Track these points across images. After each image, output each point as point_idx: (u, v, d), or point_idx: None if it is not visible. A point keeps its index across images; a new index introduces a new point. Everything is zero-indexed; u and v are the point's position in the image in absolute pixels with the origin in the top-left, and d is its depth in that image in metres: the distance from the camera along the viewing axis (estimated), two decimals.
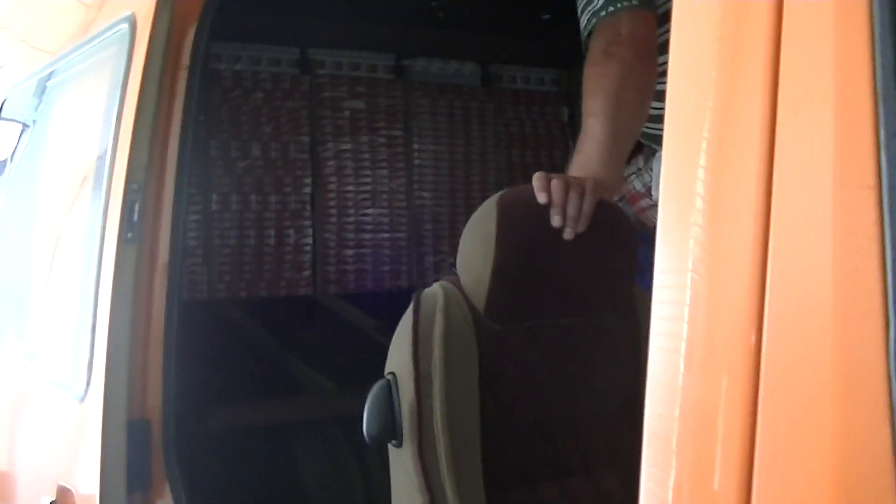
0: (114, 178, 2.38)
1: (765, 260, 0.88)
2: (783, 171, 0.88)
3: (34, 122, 3.29)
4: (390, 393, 1.77)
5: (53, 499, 2.47)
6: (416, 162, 3.78)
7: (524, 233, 1.78)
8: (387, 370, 1.80)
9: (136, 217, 2.31)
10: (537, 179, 1.80)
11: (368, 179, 3.68)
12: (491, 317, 1.78)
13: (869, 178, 0.82)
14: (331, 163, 3.62)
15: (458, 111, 3.84)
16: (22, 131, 3.54)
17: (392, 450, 1.80)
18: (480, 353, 1.77)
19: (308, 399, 3.42)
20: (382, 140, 3.69)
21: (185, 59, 2.40)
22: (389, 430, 1.76)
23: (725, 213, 0.93)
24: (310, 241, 3.81)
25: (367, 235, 3.65)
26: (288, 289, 3.49)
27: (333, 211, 3.64)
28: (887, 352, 0.80)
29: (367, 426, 1.78)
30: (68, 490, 2.42)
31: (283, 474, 3.11)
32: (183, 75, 2.39)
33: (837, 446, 0.83)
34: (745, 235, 0.90)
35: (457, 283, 1.81)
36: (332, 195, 3.67)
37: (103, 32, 2.66)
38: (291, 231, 3.92)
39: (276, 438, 3.15)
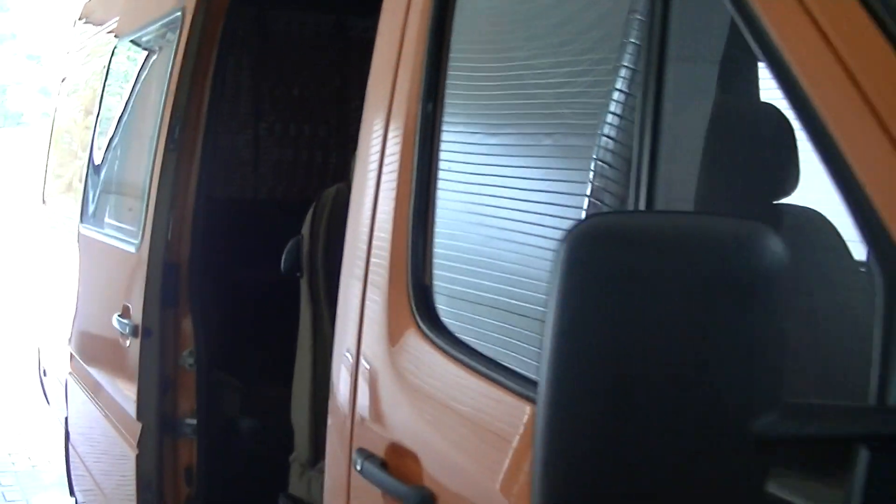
0: (165, 110, 3.75)
1: None
2: None
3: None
4: (299, 245, 3.13)
5: (120, 312, 3.89)
6: None
7: None
8: (301, 232, 3.15)
9: (175, 135, 3.67)
10: None
11: None
12: None
13: None
14: (355, 103, 4.24)
15: None
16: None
17: (300, 282, 3.16)
18: None
19: None
20: None
21: (217, 35, 3.73)
22: (296, 266, 3.13)
23: None
24: (334, 160, 5.17)
25: None
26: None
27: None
28: None
29: (283, 264, 3.14)
30: (128, 306, 3.84)
31: (282, 318, 3.82)
32: (214, 49, 3.73)
33: None
34: None
35: (349, 185, 3.11)
36: (354, 126, 4.99)
37: (165, 16, 4.02)
38: (319, 152, 5.29)
39: (276, 292, 3.94)
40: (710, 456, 1.02)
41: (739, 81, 1.68)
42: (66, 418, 5.13)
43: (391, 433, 2.03)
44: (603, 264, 1.02)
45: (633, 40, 1.59)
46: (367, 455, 2.07)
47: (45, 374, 6.01)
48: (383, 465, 2.02)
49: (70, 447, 5.13)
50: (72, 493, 5.32)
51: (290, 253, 3.14)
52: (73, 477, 5.22)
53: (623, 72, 1.60)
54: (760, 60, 1.36)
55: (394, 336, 2.02)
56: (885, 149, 1.14)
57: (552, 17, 1.94)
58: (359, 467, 2.09)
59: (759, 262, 1.01)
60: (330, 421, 2.30)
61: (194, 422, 3.69)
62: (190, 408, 3.70)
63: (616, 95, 1.62)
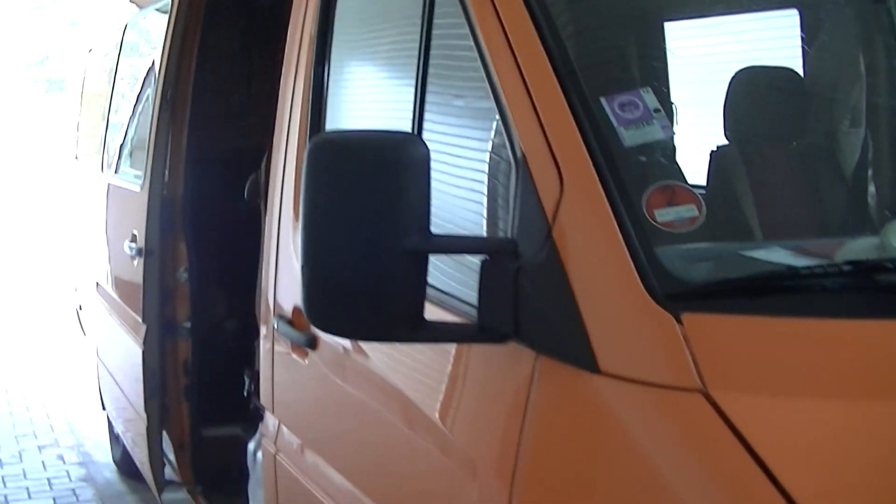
0: (159, 75, 4.67)
1: None
2: None
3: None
4: (258, 178, 4.02)
5: (130, 238, 4.82)
6: None
7: None
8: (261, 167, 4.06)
9: (168, 96, 4.59)
10: None
11: None
12: None
13: None
14: None
15: None
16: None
17: (261, 208, 4.07)
18: None
19: None
20: None
21: (202, 6, 4.62)
22: (255, 195, 4.02)
23: None
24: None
25: None
26: None
27: None
28: None
29: (246, 194, 4.05)
30: (135, 234, 4.78)
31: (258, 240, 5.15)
32: (199, 20, 4.62)
33: None
34: None
35: None
36: None
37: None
38: None
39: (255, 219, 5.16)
40: (384, 262, 1.86)
41: None
42: (95, 341, 6.13)
43: (292, 302, 2.95)
44: (322, 161, 1.90)
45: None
46: (281, 318, 2.99)
47: (80, 309, 6.98)
48: (290, 322, 2.94)
49: (98, 362, 6.12)
50: (103, 407, 6.32)
51: (251, 185, 4.05)
52: (101, 388, 6.21)
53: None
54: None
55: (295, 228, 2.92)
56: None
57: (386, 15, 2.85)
58: (275, 326, 3.02)
59: (411, 150, 1.87)
60: (261, 301, 3.24)
61: (189, 325, 4.65)
62: (185, 314, 4.66)
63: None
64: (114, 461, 6.41)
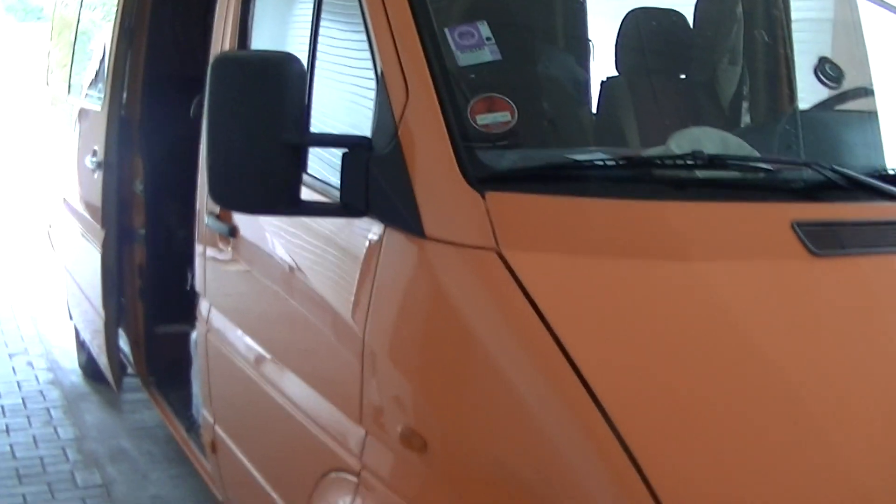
0: (120, 5, 5.16)
1: None
2: None
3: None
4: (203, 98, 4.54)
5: (91, 153, 5.33)
6: None
7: None
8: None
9: (126, 25, 5.08)
10: None
11: None
12: None
13: None
14: None
15: None
16: None
17: None
18: None
19: None
20: None
21: None
22: (200, 113, 4.55)
23: None
24: None
25: None
26: None
27: None
28: None
29: (192, 112, 4.56)
30: (96, 149, 5.28)
31: None
32: None
33: None
34: None
35: None
36: None
37: None
38: None
39: None
40: (268, 153, 2.38)
41: None
42: (62, 255, 6.65)
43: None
44: (221, 72, 2.41)
45: None
46: (210, 214, 3.53)
47: (50, 227, 7.48)
48: (217, 217, 3.48)
49: (66, 275, 6.64)
50: (70, 317, 6.84)
51: (196, 106, 4.57)
52: (68, 299, 6.73)
53: None
54: None
55: None
56: None
57: None
58: (206, 222, 3.56)
59: (288, 66, 2.38)
60: (197, 202, 3.79)
61: (144, 232, 5.19)
62: (141, 222, 5.20)
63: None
64: (80, 366, 6.94)
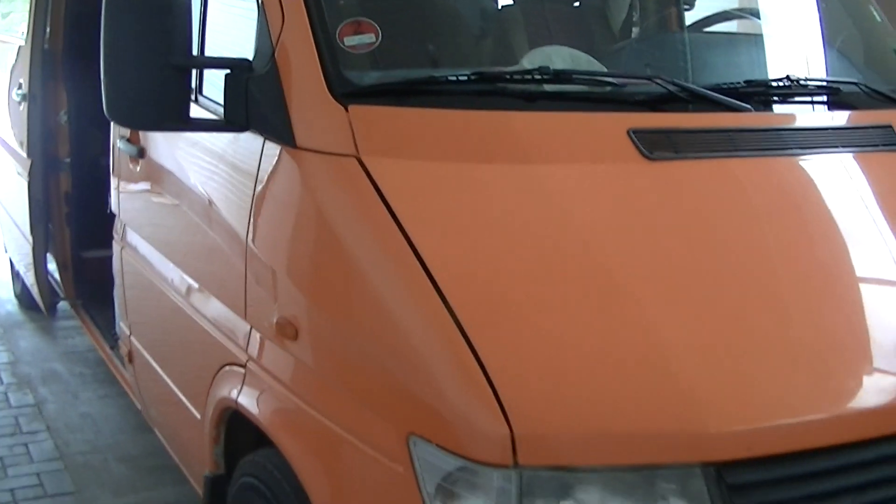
0: None
1: None
2: None
3: None
4: None
5: (17, 87, 5.50)
6: None
7: None
8: None
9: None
10: None
11: None
12: None
13: None
14: None
15: None
16: None
17: None
18: None
19: None
20: None
21: None
22: None
23: None
24: None
25: None
26: None
27: None
28: None
29: None
30: (21, 82, 5.45)
31: None
32: None
33: None
34: None
35: None
36: None
37: None
38: None
39: None
40: (158, 74, 2.61)
41: None
42: None
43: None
44: (115, 2, 2.60)
45: None
46: (122, 138, 3.77)
47: None
48: (128, 140, 3.71)
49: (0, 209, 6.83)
50: (5, 250, 7.03)
51: None
52: (1, 230, 6.91)
53: None
54: None
55: None
56: None
57: None
58: (118, 145, 3.80)
59: None
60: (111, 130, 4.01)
61: (69, 160, 5.40)
62: (66, 151, 5.41)
63: None
64: (15, 296, 7.16)
